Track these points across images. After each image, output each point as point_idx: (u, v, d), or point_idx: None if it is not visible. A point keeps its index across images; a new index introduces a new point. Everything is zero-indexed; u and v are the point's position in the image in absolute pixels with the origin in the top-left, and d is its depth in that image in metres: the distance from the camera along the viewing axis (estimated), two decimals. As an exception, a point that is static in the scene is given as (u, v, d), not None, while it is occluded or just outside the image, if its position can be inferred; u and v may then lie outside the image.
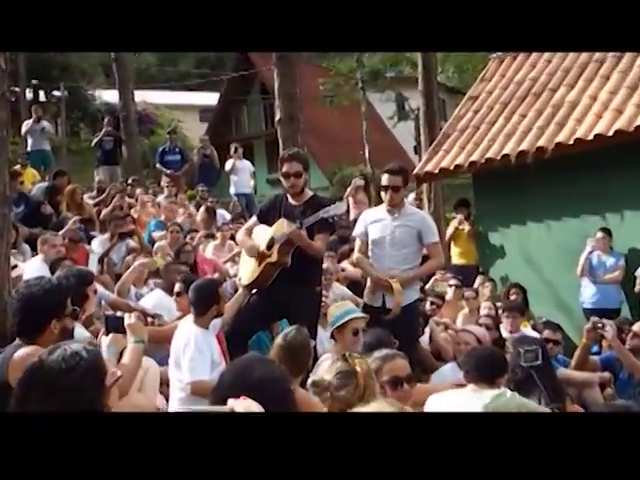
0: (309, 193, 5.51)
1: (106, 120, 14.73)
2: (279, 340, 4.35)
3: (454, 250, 10.41)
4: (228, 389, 2.19)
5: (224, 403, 2.46)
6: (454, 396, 4.00)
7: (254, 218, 5.76)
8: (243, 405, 1.67)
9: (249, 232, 5.67)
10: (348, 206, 11.74)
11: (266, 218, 5.53)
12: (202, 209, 10.82)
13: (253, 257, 5.45)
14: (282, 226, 5.26)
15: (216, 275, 7.68)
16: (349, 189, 11.48)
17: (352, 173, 20.21)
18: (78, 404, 2.21)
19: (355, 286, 7.27)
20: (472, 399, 3.86)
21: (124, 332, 3.80)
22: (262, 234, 5.47)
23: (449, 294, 8.35)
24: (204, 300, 4.93)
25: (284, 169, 5.42)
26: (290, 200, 5.46)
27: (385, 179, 5.87)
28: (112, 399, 2.44)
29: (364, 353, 4.00)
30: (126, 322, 3.80)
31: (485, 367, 4.03)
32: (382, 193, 5.97)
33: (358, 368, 3.09)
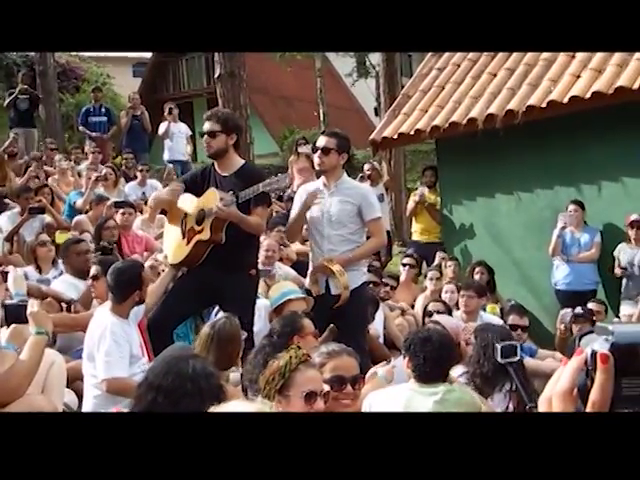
0: (239, 162, 5.42)
1: (21, 75, 14.41)
2: (206, 329, 4.35)
3: (415, 226, 10.45)
4: (157, 383, 2.27)
5: (152, 399, 2.43)
6: (396, 393, 3.93)
7: (180, 184, 5.63)
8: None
9: None
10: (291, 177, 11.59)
11: (193, 189, 5.39)
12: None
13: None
14: (214, 197, 5.12)
15: (145, 254, 7.61)
16: (292, 157, 11.29)
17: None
18: None
19: (301, 266, 7.26)
20: (420, 396, 3.85)
21: (26, 322, 3.75)
22: (189, 204, 5.33)
23: (403, 275, 8.40)
24: (124, 286, 4.85)
25: (202, 127, 5.38)
26: (218, 170, 5.37)
27: (318, 141, 5.78)
28: None
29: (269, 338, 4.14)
30: (28, 310, 3.74)
31: (437, 360, 3.94)
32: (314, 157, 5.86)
33: None
